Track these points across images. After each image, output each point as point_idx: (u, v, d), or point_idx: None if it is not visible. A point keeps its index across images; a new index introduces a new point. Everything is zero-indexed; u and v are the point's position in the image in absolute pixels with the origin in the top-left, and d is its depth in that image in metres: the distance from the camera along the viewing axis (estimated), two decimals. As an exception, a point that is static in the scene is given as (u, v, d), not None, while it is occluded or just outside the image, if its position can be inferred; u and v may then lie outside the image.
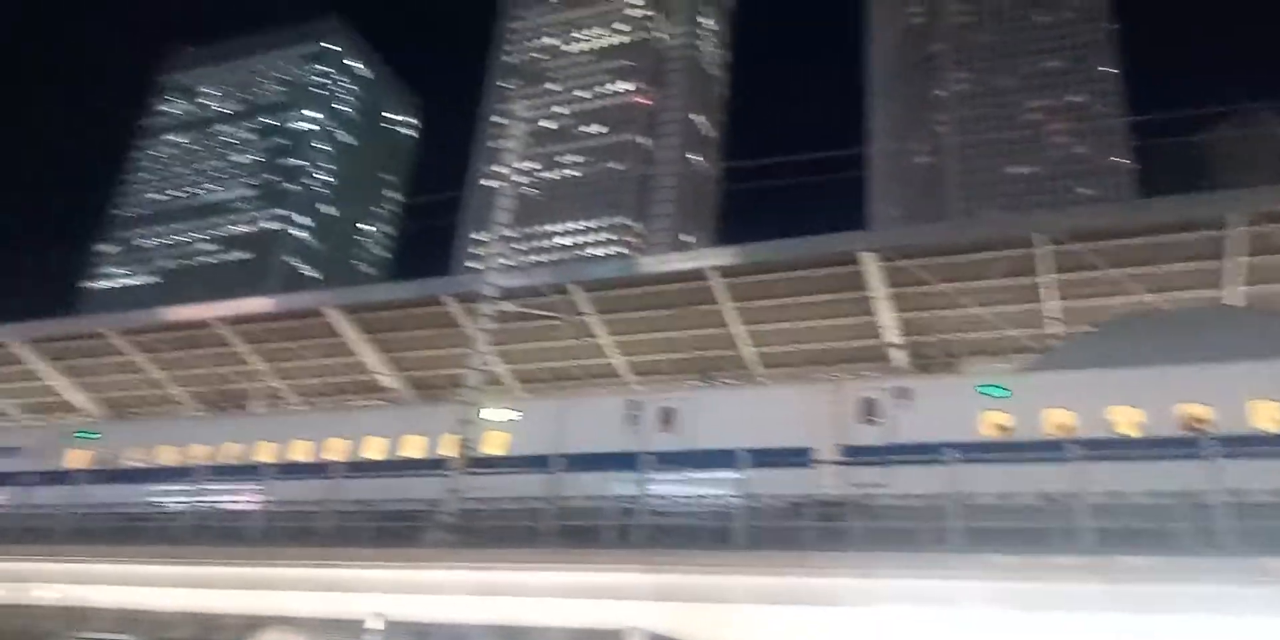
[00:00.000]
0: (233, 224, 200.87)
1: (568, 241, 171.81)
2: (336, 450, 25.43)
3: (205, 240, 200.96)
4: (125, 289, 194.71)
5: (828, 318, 29.43)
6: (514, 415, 23.98)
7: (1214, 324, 21.59)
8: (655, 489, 18.97)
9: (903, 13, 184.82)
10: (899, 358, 29.14)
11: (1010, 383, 20.27)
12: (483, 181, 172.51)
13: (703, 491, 19.11)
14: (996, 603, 14.52)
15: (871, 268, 27.22)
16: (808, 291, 28.93)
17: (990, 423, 19.32)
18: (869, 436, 19.86)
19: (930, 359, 29.01)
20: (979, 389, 20.13)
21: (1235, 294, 25.74)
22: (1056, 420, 18.83)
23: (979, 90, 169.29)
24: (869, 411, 20.20)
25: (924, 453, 17.66)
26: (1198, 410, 18.02)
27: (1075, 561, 14.10)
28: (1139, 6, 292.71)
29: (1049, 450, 17.00)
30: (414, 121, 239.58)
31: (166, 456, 28.04)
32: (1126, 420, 18.41)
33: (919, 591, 14.95)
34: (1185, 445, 16.23)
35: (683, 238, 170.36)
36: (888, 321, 28.52)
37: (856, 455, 19.57)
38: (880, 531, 16.29)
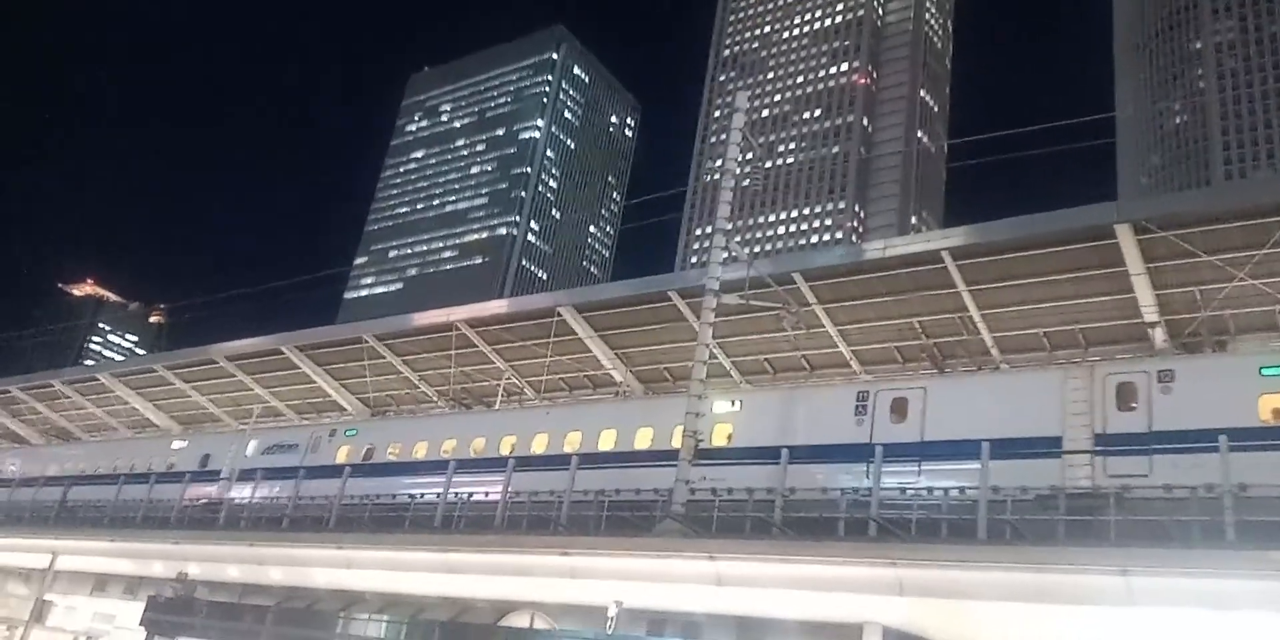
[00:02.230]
0: (470, 232, 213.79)
1: (787, 231, 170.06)
2: (573, 443, 26.36)
3: (446, 248, 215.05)
4: (377, 296, 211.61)
5: (1074, 298, 27.24)
6: (739, 407, 23.94)
7: None
8: (890, 480, 18.39)
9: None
10: (1160, 337, 26.62)
11: (1294, 361, 18.06)
12: (703, 176, 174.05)
13: (939, 483, 18.32)
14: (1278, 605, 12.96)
15: (1127, 241, 24.94)
16: (1051, 271, 26.89)
17: (1270, 406, 17.26)
18: (1127, 424, 18.28)
19: (1197, 337, 26.30)
20: (1261, 369, 18.05)
21: None
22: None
23: (1246, 39, 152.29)
24: (1126, 396, 18.59)
25: (1191, 441, 16.06)
26: None
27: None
28: None
29: None
30: (633, 123, 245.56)
31: (420, 451, 30.12)
32: None
33: (1187, 591, 13.57)
34: None
35: (911, 221, 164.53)
36: (1146, 299, 26.07)
37: (1112, 444, 18.08)
38: (1141, 525, 14.94)
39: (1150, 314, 26.14)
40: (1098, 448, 18.11)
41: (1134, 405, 18.36)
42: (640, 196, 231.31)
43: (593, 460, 24.09)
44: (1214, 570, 13.42)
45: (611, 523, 20.98)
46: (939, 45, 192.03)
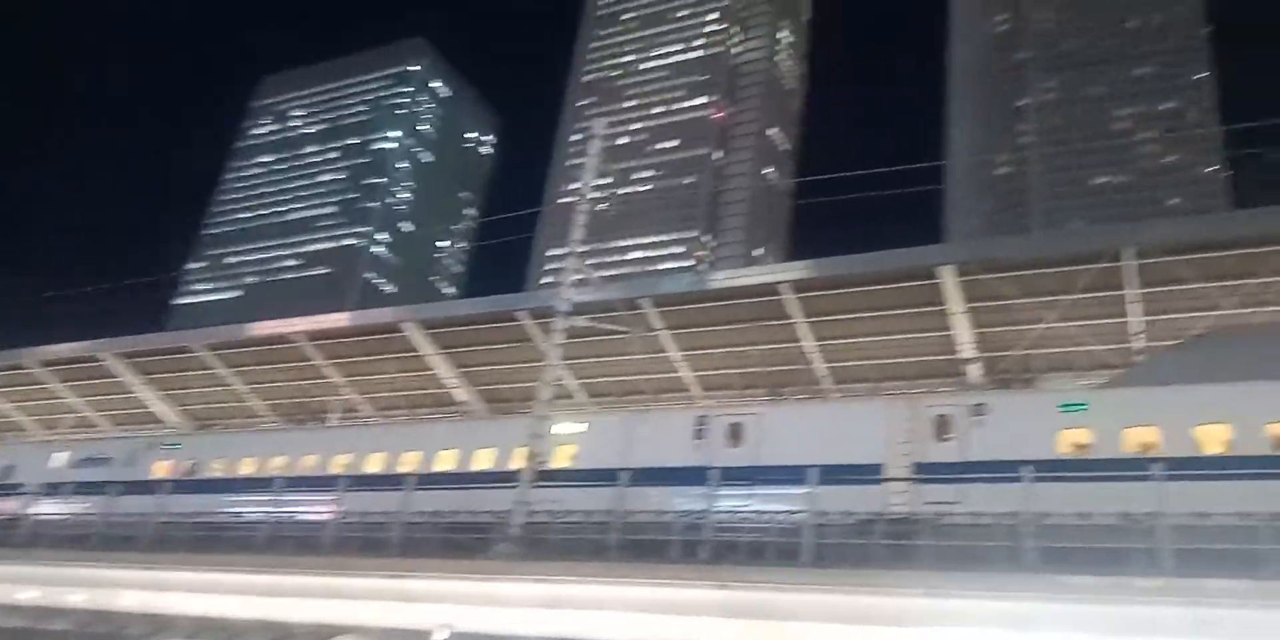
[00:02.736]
0: (315, 241, 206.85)
1: (641, 256, 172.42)
2: (409, 463, 25.83)
3: (289, 257, 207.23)
4: (212, 304, 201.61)
5: (902, 333, 28.93)
6: (583, 429, 24.07)
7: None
8: (723, 504, 18.86)
9: (988, 20, 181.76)
10: (975, 373, 28.47)
11: (1091, 399, 19.63)
12: (558, 198, 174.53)
13: (771, 507, 18.95)
14: (1072, 626, 14.01)
15: (949, 282, 26.68)
16: (882, 306, 28.48)
17: (1069, 440, 18.71)
18: (942, 453, 19.41)
19: (1008, 374, 28.26)
20: (1060, 406, 19.53)
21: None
22: (1139, 438, 18.14)
23: (1066, 98, 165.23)
24: (943, 428, 19.74)
25: (999, 470, 17.21)
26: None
27: (1157, 584, 13.55)
28: (1234, 11, 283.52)
29: (1130, 468, 16.42)
30: (492, 139, 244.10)
31: (246, 467, 28.83)
32: (1213, 438, 17.65)
33: (990, 613, 14.50)
34: (1275, 464, 15.53)
35: (755, 253, 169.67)
36: (965, 336, 27.90)
37: (929, 472, 19.15)
38: (951, 550, 15.88)
39: (968, 351, 27.99)
40: (915, 475, 19.13)
41: (950, 436, 19.51)
42: (496, 214, 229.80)
43: (431, 481, 23.68)
44: (1015, 593, 14.38)
45: (446, 545, 20.65)
46: (790, 86, 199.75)
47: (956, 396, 21.68)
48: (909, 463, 19.45)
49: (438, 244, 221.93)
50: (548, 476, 21.00)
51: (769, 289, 29.23)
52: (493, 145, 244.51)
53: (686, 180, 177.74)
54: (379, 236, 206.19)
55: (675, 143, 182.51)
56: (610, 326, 23.63)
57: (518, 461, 21.29)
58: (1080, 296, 26.14)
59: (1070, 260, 26.08)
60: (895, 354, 29.52)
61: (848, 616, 15.40)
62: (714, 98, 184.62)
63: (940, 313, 27.64)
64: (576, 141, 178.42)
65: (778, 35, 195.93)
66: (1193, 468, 16.66)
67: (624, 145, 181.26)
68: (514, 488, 20.13)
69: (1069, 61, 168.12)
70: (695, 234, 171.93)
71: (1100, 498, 15.79)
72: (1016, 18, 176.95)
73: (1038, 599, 14.07)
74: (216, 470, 29.59)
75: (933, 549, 16.10)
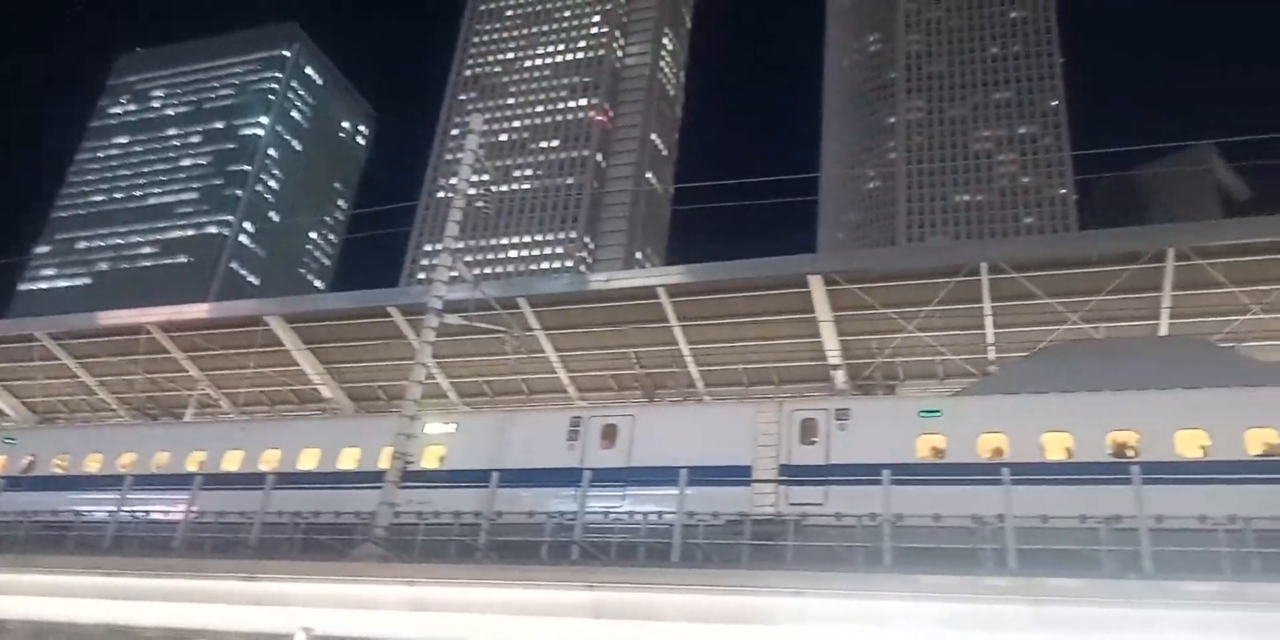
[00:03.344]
0: (175, 229, 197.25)
1: (519, 255, 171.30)
2: (270, 461, 24.94)
3: (146, 244, 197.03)
4: (60, 291, 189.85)
5: (773, 338, 29.62)
6: (454, 429, 23.72)
7: (1144, 353, 22.15)
8: (595, 505, 18.93)
9: (861, 39, 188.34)
10: (841, 379, 29.41)
11: (946, 406, 20.54)
12: (434, 193, 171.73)
13: (642, 508, 19.12)
14: (928, 623, 14.64)
15: (818, 291, 27.49)
16: (755, 312, 29.10)
17: (926, 445, 19.54)
18: (807, 456, 19.97)
19: (871, 381, 29.30)
20: (920, 412, 20.36)
21: (1167, 325, 26.40)
22: (990, 444, 19.10)
23: (931, 119, 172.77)
24: (808, 431, 20.31)
25: (860, 473, 17.83)
26: (1126, 437, 18.40)
27: (1004, 583, 14.29)
28: (1086, 44, 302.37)
29: (982, 473, 17.28)
30: (366, 131, 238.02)
31: (93, 464, 27.25)
32: (1057, 445, 18.74)
33: (851, 611, 15.01)
34: (1113, 470, 16.60)
35: (636, 256, 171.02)
36: (831, 343, 28.78)
37: (794, 474, 19.67)
38: (814, 551, 16.37)
39: (834, 357, 28.91)
40: (781, 477, 19.63)
41: (815, 440, 20.11)
42: (370, 207, 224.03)
43: (292, 480, 22.91)
44: (873, 592, 14.93)
45: (307, 546, 20.02)
46: (672, 93, 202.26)
47: (822, 401, 22.35)
48: (776, 465, 19.93)
49: (307, 236, 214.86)
50: (416, 477, 20.63)
51: (646, 292, 29.47)
52: (367, 136, 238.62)
53: (567, 181, 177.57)
54: (244, 226, 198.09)
55: (556, 143, 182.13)
56: (485, 325, 23.34)
57: (384, 461, 20.83)
58: (939, 308, 27.36)
59: (930, 273, 27.26)
60: (766, 359, 30.21)
61: (716, 616, 15.68)
62: (596, 100, 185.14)
63: (809, 320, 28.44)
64: (455, 136, 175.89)
65: (661, 42, 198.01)
66: (1037, 473, 17.64)
67: (504, 142, 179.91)
68: (380, 488, 19.68)
69: (935, 83, 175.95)
70: (575, 235, 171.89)
71: (954, 500, 16.53)
72: (887, 38, 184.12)
73: (895, 597, 14.65)
74: (59, 467, 27.86)
75: (797, 549, 16.54)
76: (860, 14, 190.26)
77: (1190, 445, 17.99)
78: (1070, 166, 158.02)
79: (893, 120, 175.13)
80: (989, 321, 27.46)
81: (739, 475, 19.74)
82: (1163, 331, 26.37)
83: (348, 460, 24.16)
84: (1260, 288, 25.18)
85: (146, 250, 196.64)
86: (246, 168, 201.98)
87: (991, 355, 27.98)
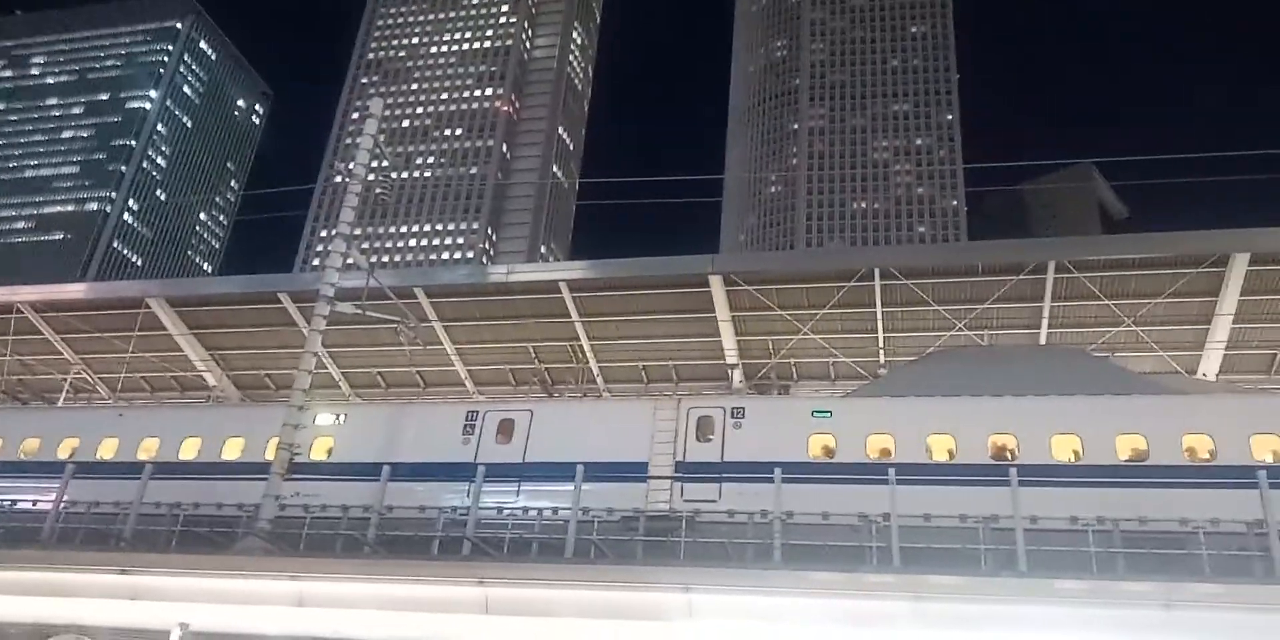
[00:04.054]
0: (53, 204, 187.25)
1: (418, 244, 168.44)
2: (148, 450, 23.91)
3: (20, 218, 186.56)
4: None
5: (673, 336, 29.87)
6: (344, 420, 23.16)
7: (1024, 360, 23.12)
8: (489, 501, 18.74)
9: (767, 46, 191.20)
10: (737, 378, 29.85)
11: (838, 407, 21.04)
12: (332, 177, 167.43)
13: (537, 504, 19.04)
14: (814, 618, 14.96)
15: (718, 291, 27.84)
16: (655, 310, 29.30)
17: (818, 444, 19.98)
18: (703, 453, 20.18)
19: (767, 381, 29.83)
20: (812, 412, 20.78)
21: (1047, 334, 27.63)
22: (878, 444, 19.65)
23: (832, 127, 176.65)
24: (704, 429, 20.53)
25: (753, 471, 18.12)
26: (1005, 440, 19.17)
27: (888, 580, 14.71)
28: (982, 61, 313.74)
29: (869, 472, 17.76)
30: (262, 110, 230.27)
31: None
32: (941, 447, 19.40)
33: (741, 607, 15.24)
34: (992, 472, 17.26)
35: (539, 249, 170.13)
36: (729, 343, 29.19)
37: (690, 471, 19.85)
38: (707, 547, 16.55)
39: (731, 357, 29.34)
40: (677, 474, 19.81)
41: (710, 437, 20.34)
42: (263, 188, 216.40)
43: (171, 470, 22.00)
44: (762, 588, 15.18)
45: (187, 539, 19.28)
46: (580, 87, 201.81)
47: (718, 399, 22.62)
48: (672, 462, 20.09)
49: (195, 216, 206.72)
50: (303, 469, 20.08)
51: (548, 286, 29.37)
52: (262, 116, 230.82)
53: (471, 171, 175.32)
54: (128, 203, 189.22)
55: (460, 132, 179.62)
56: (379, 315, 22.82)
57: (270, 452, 20.21)
58: (833, 311, 28.06)
59: (826, 277, 27.94)
60: (665, 356, 30.45)
61: (608, 612, 15.70)
62: (502, 90, 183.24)
63: (708, 320, 28.78)
64: (354, 120, 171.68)
65: (570, 35, 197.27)
66: (922, 473, 18.24)
67: (406, 129, 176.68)
68: (264, 480, 19.09)
69: (837, 92, 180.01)
70: (477, 226, 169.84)
71: (843, 499, 16.95)
72: (793, 46, 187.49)
73: (784, 593, 14.91)
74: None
75: (689, 545, 16.71)
76: (768, 20, 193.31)
77: (1065, 450, 18.85)
78: (962, 179, 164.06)
79: (796, 127, 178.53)
80: (880, 326, 28.28)
81: (635, 472, 19.83)
82: (1042, 340, 27.60)
83: (232, 450, 23.36)
84: (1133, 301, 26.58)
85: (21, 226, 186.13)
86: (132, 143, 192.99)
87: (882, 358, 28.83)
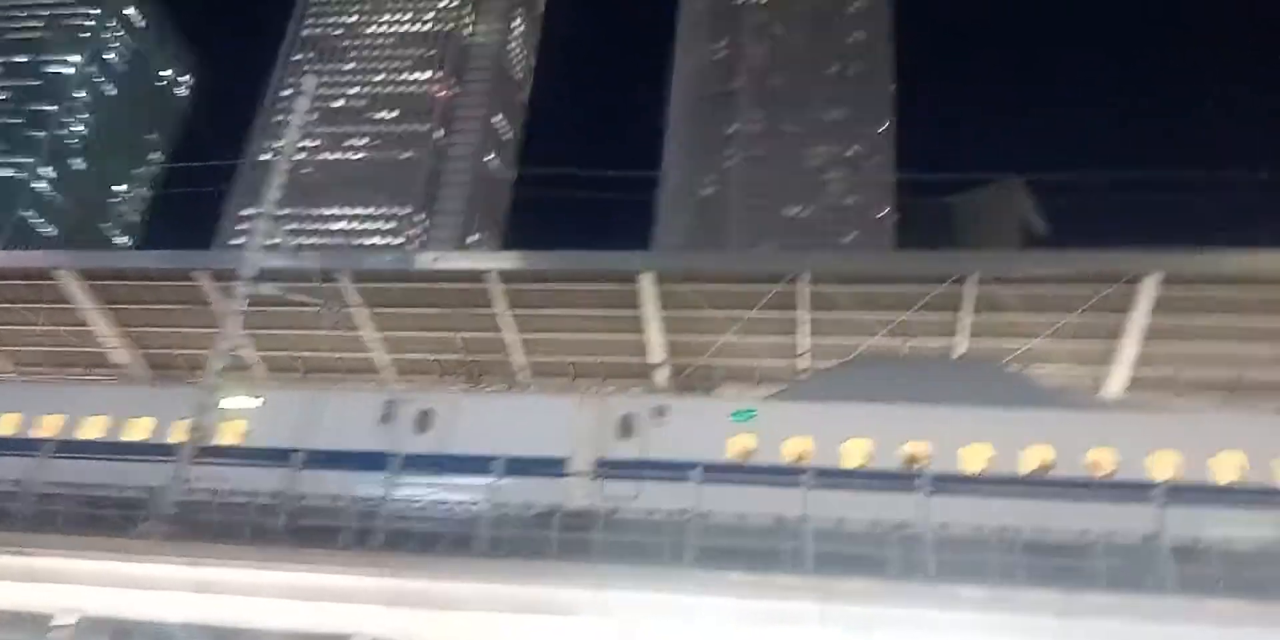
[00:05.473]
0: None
1: (346, 227, 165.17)
2: (49, 427, 23.02)
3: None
4: None
5: (600, 332, 29.80)
6: (258, 404, 22.60)
7: (941, 371, 23.64)
8: (404, 492, 18.47)
9: (708, 46, 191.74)
10: (663, 377, 29.93)
11: (759, 409, 21.23)
12: (259, 154, 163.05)
13: (453, 497, 18.81)
14: (725, 618, 15.09)
15: (648, 288, 27.85)
16: (584, 304, 29.21)
17: (737, 446, 20.14)
18: (624, 451, 20.19)
19: (691, 381, 29.96)
20: (732, 415, 20.94)
21: (965, 345, 28.25)
22: (796, 448, 19.88)
23: (768, 131, 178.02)
24: (626, 427, 20.54)
25: (673, 470, 18.19)
26: (917, 448, 19.56)
27: (798, 582, 14.90)
28: (917, 73, 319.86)
29: (786, 475, 17.95)
30: (189, 80, 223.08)
31: None
32: (856, 452, 19.72)
33: (653, 604, 15.29)
34: (903, 479, 17.60)
35: (470, 239, 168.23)
36: (656, 341, 29.24)
37: (610, 469, 19.84)
38: (622, 545, 16.57)
39: (658, 355, 29.40)
40: (597, 471, 19.78)
41: (632, 435, 20.36)
42: (186, 162, 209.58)
43: (74, 449, 21.23)
44: (675, 586, 15.26)
45: (86, 521, 18.61)
46: (519, 77, 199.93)
47: (642, 398, 22.65)
48: (593, 458, 20.06)
49: (113, 187, 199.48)
50: (212, 453, 19.54)
51: (476, 276, 29.07)
52: (190, 87, 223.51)
53: (404, 155, 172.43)
54: (42, 171, 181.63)
55: (395, 114, 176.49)
56: (301, 298, 22.32)
57: (178, 434, 19.61)
58: (760, 314, 28.30)
59: (756, 278, 28.16)
60: (592, 352, 30.37)
61: (517, 606, 15.63)
62: (440, 75, 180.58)
63: (636, 317, 28.79)
64: (285, 97, 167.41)
65: (512, 24, 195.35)
66: (837, 478, 18.49)
67: (339, 109, 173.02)
68: (171, 462, 18.52)
69: (775, 97, 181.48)
70: (408, 212, 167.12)
71: (760, 500, 17.10)
72: (734, 47, 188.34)
73: (696, 592, 15.02)
74: None
75: (606, 543, 16.69)
76: (711, 20, 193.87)
77: (975, 459, 19.32)
78: (893, 189, 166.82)
79: (734, 129, 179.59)
80: (805, 329, 28.61)
81: (556, 467, 19.74)
82: (960, 350, 28.23)
83: (139, 431, 22.63)
84: (1048, 316, 27.32)
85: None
86: (50, 108, 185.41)
87: (805, 363, 29.16)
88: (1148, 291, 26.15)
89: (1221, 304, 26.35)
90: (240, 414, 22.08)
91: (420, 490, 19.12)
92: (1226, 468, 18.77)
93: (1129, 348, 27.36)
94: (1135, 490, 17.00)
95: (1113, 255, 27.30)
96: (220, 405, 20.20)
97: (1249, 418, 23.23)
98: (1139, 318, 26.62)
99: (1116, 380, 28.10)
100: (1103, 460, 19.10)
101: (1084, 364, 28.20)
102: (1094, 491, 18.32)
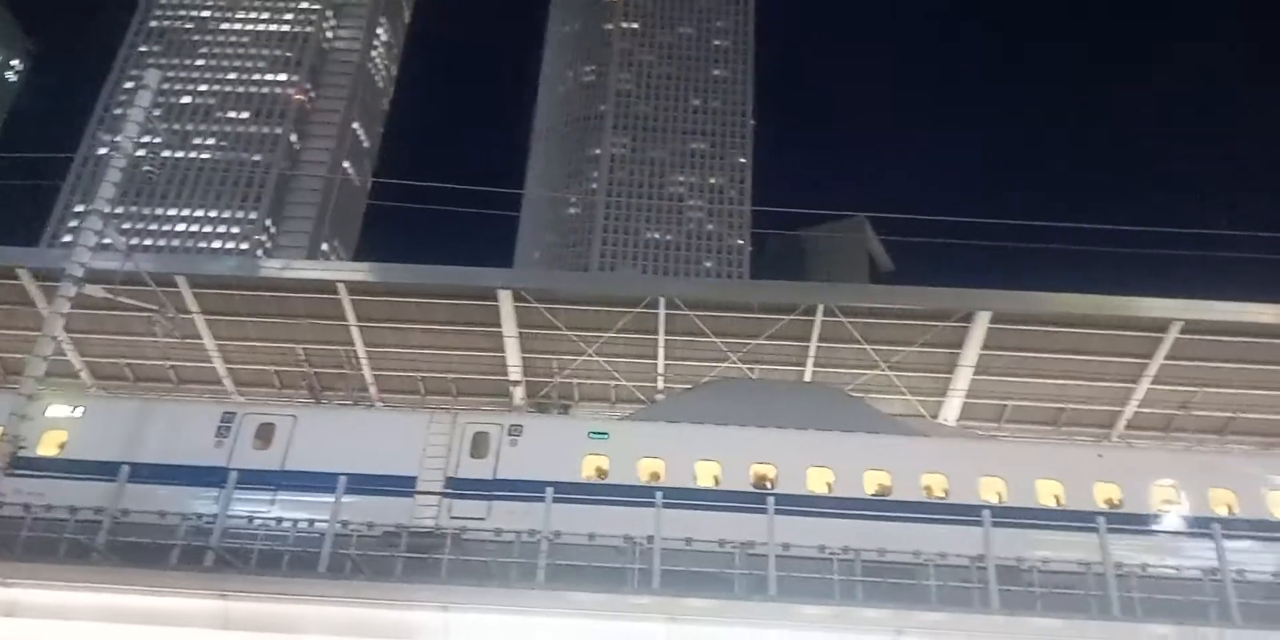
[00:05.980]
0: None
1: (187, 230, 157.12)
2: None
3: None
4: None
5: (455, 349, 29.35)
6: (81, 413, 21.10)
7: (788, 395, 24.42)
8: (239, 509, 17.62)
9: (578, 68, 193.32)
10: (519, 396, 29.69)
11: (614, 429, 21.34)
12: (95, 148, 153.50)
13: (293, 514, 18.06)
14: (572, 638, 15.00)
15: (506, 306, 27.66)
16: (440, 320, 28.73)
17: (591, 465, 20.15)
18: (475, 470, 19.87)
19: (548, 400, 29.83)
20: (589, 433, 20.95)
21: (811, 372, 29.24)
22: (649, 468, 20.05)
23: (633, 156, 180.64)
24: (479, 445, 20.24)
25: (525, 490, 18.02)
26: (765, 469, 20.07)
27: (646, 601, 15.00)
28: (775, 110, 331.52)
29: (638, 495, 18.08)
30: (21, 66, 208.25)
31: None
32: (706, 472, 20.05)
33: (499, 626, 15.05)
34: (750, 500, 18.02)
35: (322, 247, 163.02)
36: (514, 359, 29.01)
37: (460, 488, 19.48)
38: (469, 565, 16.29)
39: (515, 373, 29.17)
40: (445, 490, 19.38)
41: (485, 454, 20.07)
42: (15, 152, 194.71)
43: None
44: (522, 608, 15.09)
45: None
46: (380, 85, 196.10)
47: (496, 416, 22.39)
48: (442, 477, 19.65)
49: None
50: (28, 465, 18.11)
51: (325, 286, 28.19)
52: (21, 73, 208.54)
53: (254, 157, 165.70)
54: None
55: (246, 115, 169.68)
56: (132, 302, 20.99)
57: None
58: (618, 335, 28.53)
59: (614, 301, 28.41)
60: (446, 369, 29.86)
61: (359, 630, 15.12)
62: (296, 78, 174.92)
63: (494, 334, 28.51)
64: (127, 90, 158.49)
65: (375, 30, 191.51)
66: (688, 497, 18.74)
67: (186, 106, 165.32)
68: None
69: (640, 123, 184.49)
70: (256, 217, 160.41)
71: (612, 520, 17.15)
72: (601, 72, 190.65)
73: (543, 613, 14.89)
74: None
75: (452, 563, 16.37)
76: (579, 43, 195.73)
77: (819, 481, 19.97)
78: (749, 219, 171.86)
79: (598, 151, 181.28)
80: (661, 353, 29.00)
81: (402, 485, 19.24)
82: (807, 377, 29.20)
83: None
84: (888, 347, 28.63)
85: None
86: None
87: (660, 384, 29.52)
88: (979, 328, 27.77)
89: (1045, 342, 28.26)
90: (61, 423, 20.57)
91: (258, 507, 18.30)
92: (1047, 493, 20.04)
93: (960, 380, 28.94)
94: (965, 512, 17.97)
95: (949, 293, 28.92)
96: (38, 414, 18.76)
97: (1069, 447, 24.91)
98: (970, 352, 28.23)
99: (950, 409, 29.64)
100: (935, 484, 20.07)
101: (919, 394, 29.63)
102: (927, 514, 19.21)
